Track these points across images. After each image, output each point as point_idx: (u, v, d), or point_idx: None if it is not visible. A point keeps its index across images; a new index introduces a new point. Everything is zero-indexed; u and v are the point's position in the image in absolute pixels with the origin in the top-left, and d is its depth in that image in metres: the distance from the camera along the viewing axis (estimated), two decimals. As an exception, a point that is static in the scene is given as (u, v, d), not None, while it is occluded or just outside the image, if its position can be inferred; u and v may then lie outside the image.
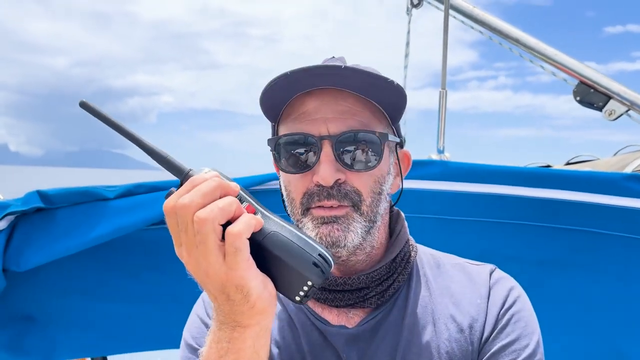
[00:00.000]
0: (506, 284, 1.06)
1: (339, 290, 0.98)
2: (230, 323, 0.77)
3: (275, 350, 0.99)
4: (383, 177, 0.96)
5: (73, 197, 1.89)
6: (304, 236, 0.77)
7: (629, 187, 1.83)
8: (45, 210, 1.87)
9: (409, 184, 1.89)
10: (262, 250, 0.76)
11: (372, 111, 0.94)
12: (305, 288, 0.76)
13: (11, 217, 1.84)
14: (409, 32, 3.46)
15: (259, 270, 0.75)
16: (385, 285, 0.99)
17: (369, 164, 0.92)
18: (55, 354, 1.98)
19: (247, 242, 0.73)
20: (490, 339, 0.99)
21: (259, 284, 0.74)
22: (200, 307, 1.09)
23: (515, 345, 0.97)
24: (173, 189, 0.78)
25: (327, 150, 0.90)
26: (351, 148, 0.90)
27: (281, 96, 0.94)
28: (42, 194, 1.86)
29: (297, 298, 0.77)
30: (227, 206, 0.72)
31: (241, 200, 0.76)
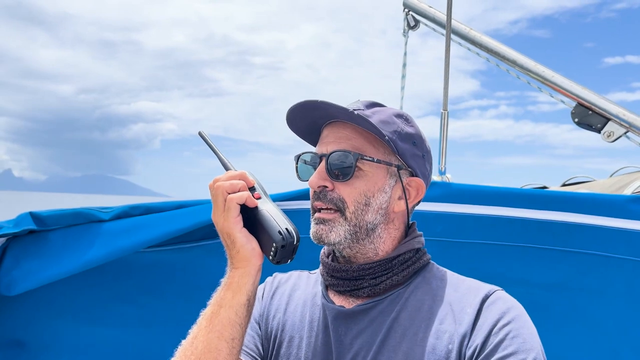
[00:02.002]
0: (506, 303, 1.12)
1: (339, 277, 1.20)
2: (230, 265, 1.11)
3: (285, 318, 1.26)
4: (370, 191, 1.16)
5: (66, 218, 1.84)
6: (282, 216, 1.10)
7: (633, 210, 1.82)
8: (37, 232, 1.82)
9: (411, 206, 1.86)
10: (255, 220, 1.10)
11: (368, 139, 1.17)
12: (273, 249, 1.07)
13: (2, 240, 1.79)
14: (405, 54, 3.46)
15: (245, 229, 1.09)
16: (379, 280, 1.17)
17: (346, 177, 1.15)
18: (46, 381, 1.91)
19: (238, 206, 1.08)
20: (486, 352, 1.05)
21: (243, 237, 1.08)
22: (261, 286, 1.36)
23: (512, 358, 1.02)
24: None
25: (321, 164, 1.17)
26: (336, 163, 1.15)
27: (307, 125, 1.24)
28: (34, 216, 1.81)
29: (271, 257, 1.08)
30: (236, 184, 1.09)
31: (255, 189, 1.13)
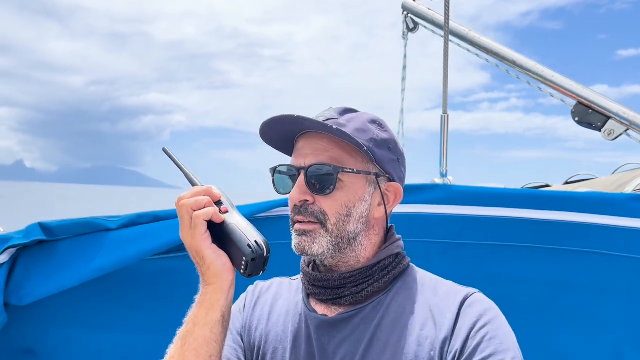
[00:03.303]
0: (483, 305, 1.13)
1: (321, 286, 1.20)
2: (202, 282, 1.11)
3: (268, 329, 1.26)
4: (351, 202, 1.16)
5: (75, 228, 1.87)
6: (251, 229, 1.09)
7: (632, 208, 1.84)
8: (46, 242, 1.85)
9: (413, 209, 1.89)
10: (223, 234, 1.09)
11: (346, 149, 1.16)
12: (244, 263, 1.06)
13: (12, 250, 1.82)
14: (405, 56, 3.48)
15: (214, 245, 1.08)
16: (360, 287, 1.17)
17: (327, 190, 1.14)
18: (57, 389, 1.94)
19: (205, 222, 1.07)
20: (465, 356, 1.06)
21: (212, 253, 1.07)
22: (242, 295, 1.36)
23: (491, 359, 1.04)
24: None
25: (300, 177, 1.16)
26: (316, 176, 1.14)
27: (281, 137, 1.22)
28: (43, 226, 1.84)
29: (242, 271, 1.08)
30: (201, 200, 1.08)
31: (221, 203, 1.11)
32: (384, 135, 1.21)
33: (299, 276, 1.32)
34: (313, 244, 1.15)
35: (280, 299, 1.30)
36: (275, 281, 1.37)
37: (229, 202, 1.13)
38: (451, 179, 2.15)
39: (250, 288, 1.37)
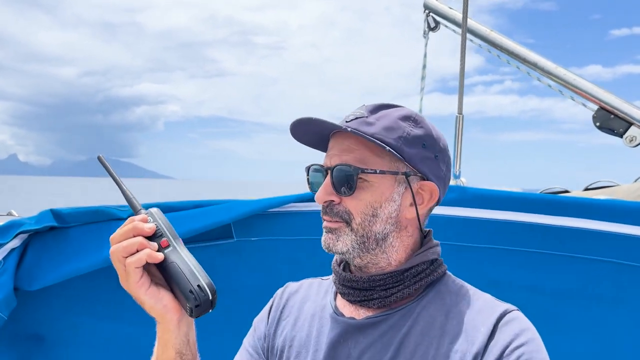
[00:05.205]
0: (521, 324, 1.08)
1: (350, 286, 1.19)
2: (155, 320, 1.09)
3: (293, 333, 1.24)
4: (377, 202, 1.14)
5: (86, 216, 1.89)
6: (193, 268, 1.00)
7: None
8: (58, 229, 1.87)
9: (424, 210, 1.86)
10: (166, 274, 1.02)
11: (372, 149, 1.14)
12: (188, 309, 1.00)
13: (24, 236, 1.84)
14: (425, 56, 3.45)
15: (153, 287, 1.03)
16: (390, 292, 1.15)
17: (350, 190, 1.13)
18: (63, 375, 1.96)
19: (138, 270, 1.00)
20: None
21: (151, 299, 1.02)
22: (271, 299, 1.35)
23: None
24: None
25: (327, 178, 1.15)
26: (339, 177, 1.14)
27: (313, 137, 1.22)
28: (55, 213, 1.86)
29: (188, 314, 1.02)
30: (131, 245, 1.00)
31: (161, 236, 1.02)
32: (417, 131, 1.16)
33: (331, 276, 1.30)
34: (337, 241, 1.15)
35: (308, 302, 1.29)
36: (306, 282, 1.35)
37: (169, 231, 1.04)
38: (464, 181, 2.12)
39: (279, 292, 1.36)
